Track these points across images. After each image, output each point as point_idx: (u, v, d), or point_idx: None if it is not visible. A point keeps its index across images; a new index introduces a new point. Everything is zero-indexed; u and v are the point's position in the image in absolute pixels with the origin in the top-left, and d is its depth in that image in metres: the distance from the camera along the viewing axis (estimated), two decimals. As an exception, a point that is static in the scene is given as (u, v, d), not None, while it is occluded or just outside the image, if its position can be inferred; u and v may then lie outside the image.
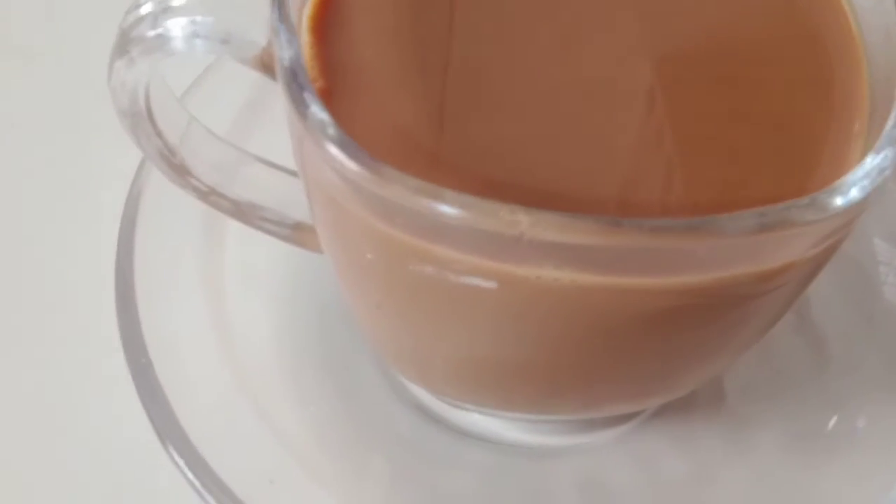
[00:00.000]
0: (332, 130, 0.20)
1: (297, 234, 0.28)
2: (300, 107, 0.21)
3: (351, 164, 0.20)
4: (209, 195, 0.27)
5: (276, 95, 0.22)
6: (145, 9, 0.24)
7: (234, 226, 0.29)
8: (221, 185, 0.27)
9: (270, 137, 0.30)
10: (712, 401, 0.30)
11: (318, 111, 0.20)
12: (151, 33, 0.24)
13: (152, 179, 0.30)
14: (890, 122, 0.21)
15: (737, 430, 0.29)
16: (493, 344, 0.23)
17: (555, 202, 0.21)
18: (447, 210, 0.19)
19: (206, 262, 0.31)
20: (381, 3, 0.24)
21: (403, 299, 0.23)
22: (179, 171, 0.26)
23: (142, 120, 0.25)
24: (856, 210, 0.20)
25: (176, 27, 0.23)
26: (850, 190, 0.20)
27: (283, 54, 0.21)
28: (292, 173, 0.27)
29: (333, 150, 0.20)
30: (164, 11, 0.24)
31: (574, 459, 0.29)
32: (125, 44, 0.24)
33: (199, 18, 0.23)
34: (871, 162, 0.20)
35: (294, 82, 0.21)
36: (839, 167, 0.22)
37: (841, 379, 0.29)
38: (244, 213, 0.28)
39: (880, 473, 0.27)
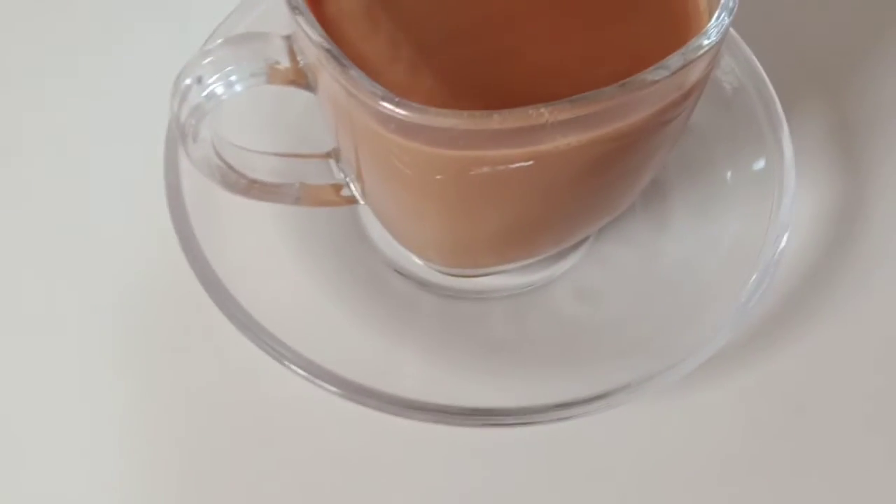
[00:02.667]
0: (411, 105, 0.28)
1: (305, 194, 0.37)
2: (359, 87, 0.29)
3: (417, 117, 0.28)
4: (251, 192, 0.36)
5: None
6: (187, 82, 0.31)
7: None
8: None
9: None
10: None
11: (376, 88, 0.28)
12: (201, 99, 0.31)
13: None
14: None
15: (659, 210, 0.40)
16: (530, 208, 0.32)
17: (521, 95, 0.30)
18: (499, 125, 0.28)
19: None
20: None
21: (461, 202, 0.32)
22: (246, 189, 0.35)
23: (223, 170, 0.33)
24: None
25: (216, 85, 0.31)
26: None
27: (328, 47, 0.29)
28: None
29: (413, 116, 0.28)
30: (203, 77, 0.31)
31: (567, 277, 0.39)
32: (188, 121, 0.31)
33: (230, 67, 0.31)
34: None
35: (346, 69, 0.29)
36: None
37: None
38: (280, 194, 0.36)
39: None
